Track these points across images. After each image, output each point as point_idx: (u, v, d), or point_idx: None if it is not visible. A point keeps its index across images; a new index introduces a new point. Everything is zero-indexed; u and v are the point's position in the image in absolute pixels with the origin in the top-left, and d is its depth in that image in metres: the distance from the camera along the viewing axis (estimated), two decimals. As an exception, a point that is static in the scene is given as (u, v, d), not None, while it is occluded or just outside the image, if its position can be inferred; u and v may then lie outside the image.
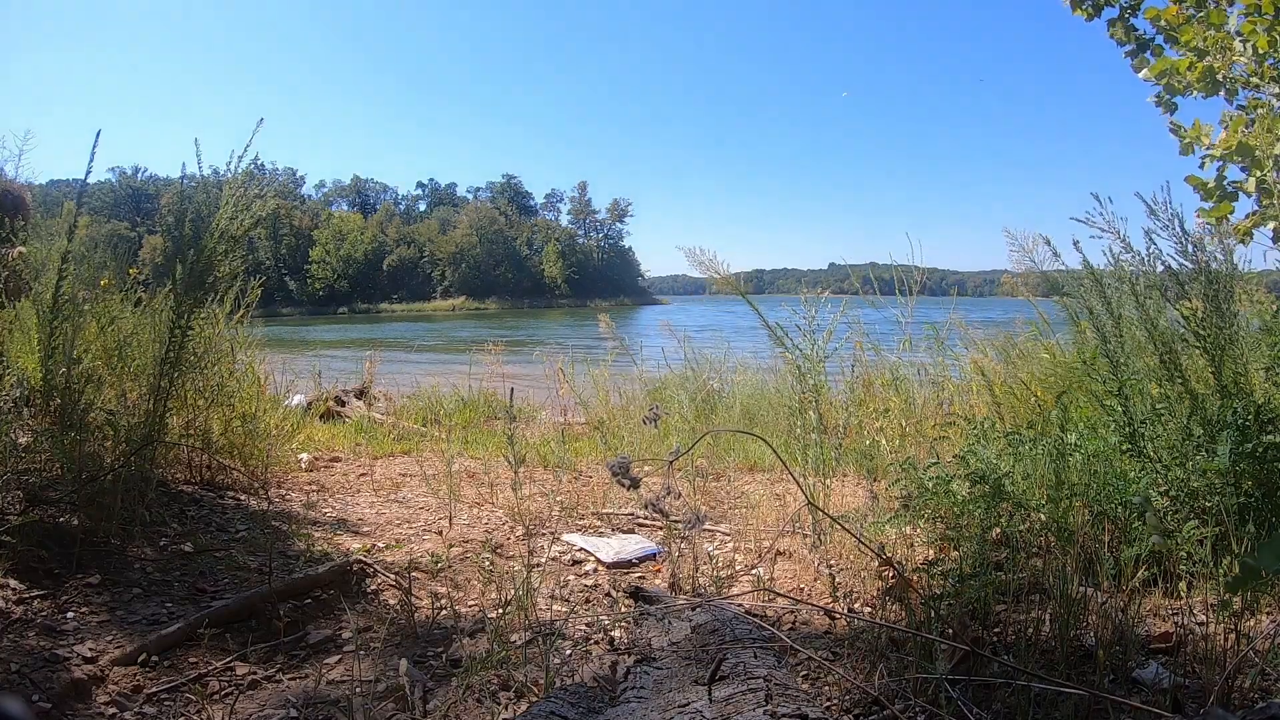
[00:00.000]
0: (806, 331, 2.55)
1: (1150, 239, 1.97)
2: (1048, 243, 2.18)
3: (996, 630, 1.53)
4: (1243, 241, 2.48)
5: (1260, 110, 2.43)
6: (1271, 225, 2.44)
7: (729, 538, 2.50)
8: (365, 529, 2.58)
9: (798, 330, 2.60)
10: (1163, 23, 2.76)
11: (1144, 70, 2.84)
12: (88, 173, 2.13)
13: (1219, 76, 2.54)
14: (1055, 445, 1.66)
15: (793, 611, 1.89)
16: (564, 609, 1.92)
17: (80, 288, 2.30)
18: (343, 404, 5.29)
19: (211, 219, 2.21)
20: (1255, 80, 2.48)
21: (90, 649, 1.56)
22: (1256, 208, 2.52)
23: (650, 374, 5.12)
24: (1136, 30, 2.98)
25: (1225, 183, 2.62)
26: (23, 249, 2.30)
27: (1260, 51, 2.44)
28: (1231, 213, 2.57)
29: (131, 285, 2.65)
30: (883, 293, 3.71)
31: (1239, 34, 2.48)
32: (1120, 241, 1.99)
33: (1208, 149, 2.57)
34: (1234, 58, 2.47)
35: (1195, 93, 2.73)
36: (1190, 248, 1.93)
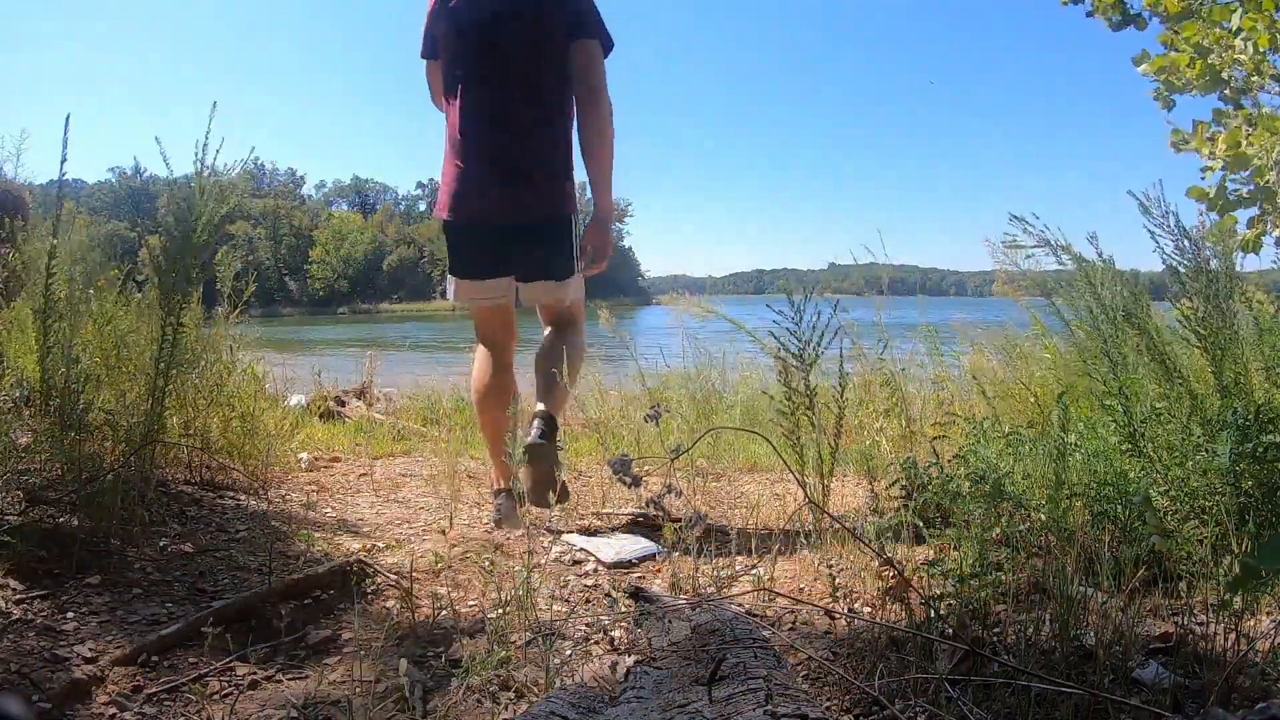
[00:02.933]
0: (799, 335, 2.55)
1: (1153, 240, 1.97)
2: (1047, 243, 2.18)
3: (996, 630, 1.53)
4: (1253, 251, 2.48)
5: (1264, 111, 2.43)
6: (1276, 233, 2.45)
7: (729, 538, 2.50)
8: (365, 529, 2.58)
9: (794, 331, 2.60)
10: (1162, 8, 2.75)
11: (1144, 65, 2.83)
12: (63, 160, 2.10)
13: (1223, 75, 2.54)
14: (1055, 445, 1.66)
15: (793, 611, 1.89)
16: (564, 609, 1.92)
17: (78, 286, 2.30)
18: (343, 404, 5.29)
19: (190, 210, 2.21)
20: (1255, 78, 2.48)
21: (90, 649, 1.56)
22: (1258, 213, 2.52)
23: (651, 373, 5.11)
24: (1125, 3, 2.97)
25: (1228, 192, 2.62)
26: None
27: (1260, 49, 2.44)
28: (1235, 223, 2.57)
29: (126, 283, 2.64)
30: (883, 293, 3.71)
31: (1239, 31, 2.47)
32: (1065, 251, 1.98)
33: (1208, 158, 2.57)
34: (1234, 55, 2.47)
35: (1194, 91, 2.73)
36: (1187, 244, 1.93)
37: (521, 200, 1.97)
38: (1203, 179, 2.68)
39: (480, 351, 2.11)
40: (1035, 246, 1.92)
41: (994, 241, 2.31)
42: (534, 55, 1.97)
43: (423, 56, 2.22)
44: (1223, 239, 2.09)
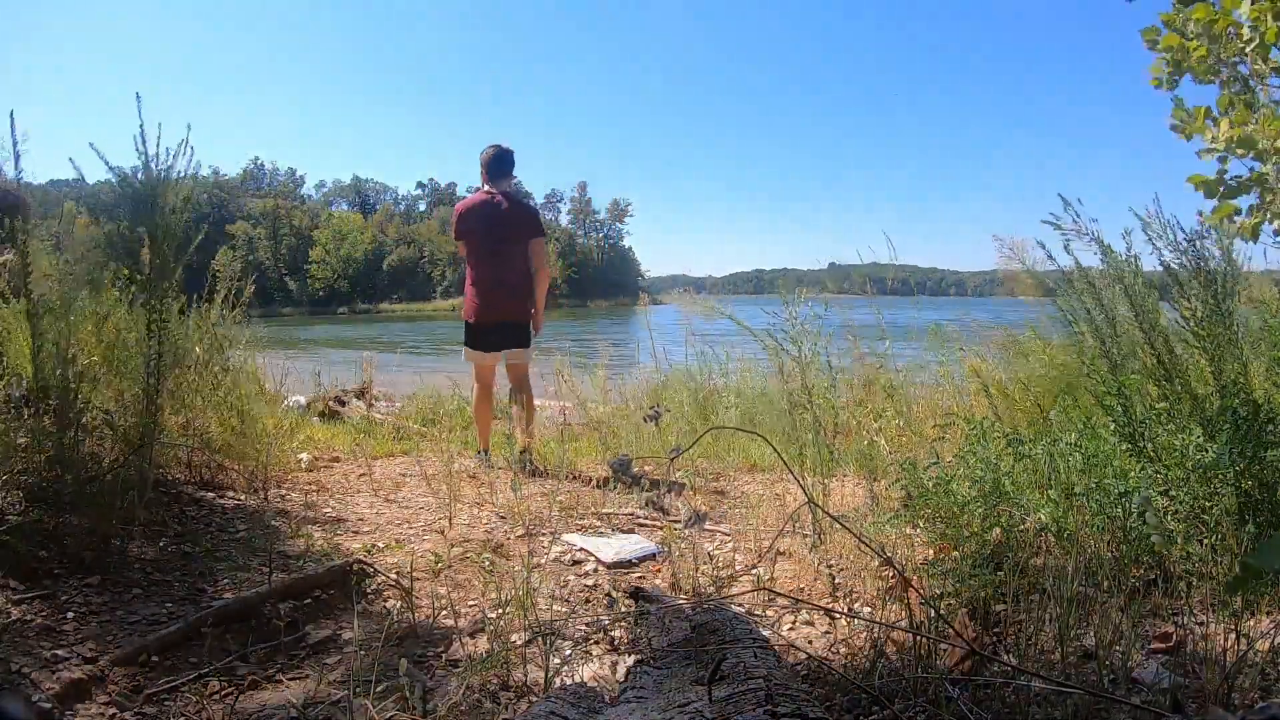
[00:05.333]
0: (795, 335, 2.55)
1: (1132, 240, 1.98)
2: (1053, 243, 2.17)
3: (996, 630, 1.53)
4: (1252, 238, 2.45)
5: (1264, 110, 2.41)
6: (1277, 223, 2.41)
7: (729, 538, 2.50)
8: (365, 529, 2.58)
9: (791, 331, 2.60)
10: None
11: (1155, 41, 2.78)
12: (16, 158, 2.17)
13: (1229, 60, 2.51)
14: (1054, 446, 1.66)
15: (793, 611, 1.89)
16: (564, 609, 1.92)
17: (71, 287, 2.29)
18: (343, 404, 5.29)
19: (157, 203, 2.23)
20: (1260, 68, 2.46)
21: (90, 649, 1.56)
22: (1257, 201, 2.49)
23: (651, 373, 5.12)
24: None
25: (1227, 177, 2.59)
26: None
27: (1267, 42, 2.41)
28: (1237, 211, 2.53)
29: (122, 282, 2.63)
30: (884, 293, 3.71)
31: (1248, 21, 2.44)
32: (1097, 243, 1.98)
33: (1210, 143, 2.53)
34: (1242, 43, 2.44)
35: (1198, 77, 2.70)
36: (1187, 244, 1.93)
37: (507, 310, 3.91)
38: (1200, 158, 2.64)
39: (476, 385, 4.00)
40: (1072, 231, 1.94)
41: (1002, 238, 2.30)
42: (512, 246, 3.93)
43: (455, 239, 4.05)
44: (1222, 224, 2.07)
